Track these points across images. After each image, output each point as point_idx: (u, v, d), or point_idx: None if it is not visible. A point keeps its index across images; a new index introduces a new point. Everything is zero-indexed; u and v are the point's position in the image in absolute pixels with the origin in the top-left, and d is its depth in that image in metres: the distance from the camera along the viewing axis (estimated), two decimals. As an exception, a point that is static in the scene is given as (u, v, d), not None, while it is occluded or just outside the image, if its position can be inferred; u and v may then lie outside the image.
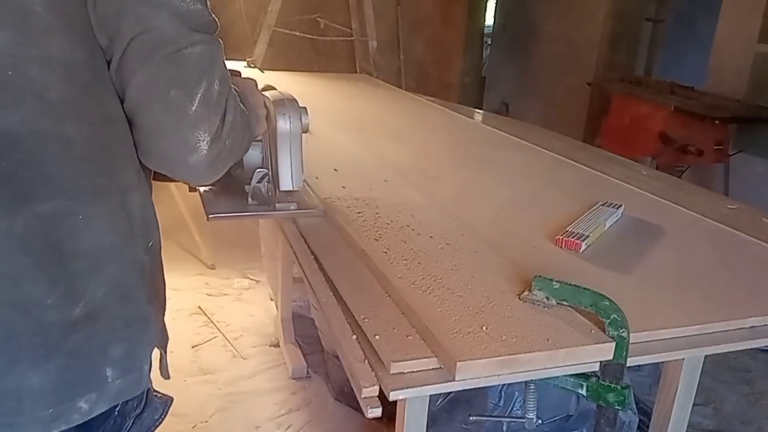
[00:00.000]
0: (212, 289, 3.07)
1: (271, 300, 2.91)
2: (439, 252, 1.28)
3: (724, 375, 2.64)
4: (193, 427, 2.11)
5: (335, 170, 1.76)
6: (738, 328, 1.13)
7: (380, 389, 0.91)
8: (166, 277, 1.00)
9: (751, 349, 2.50)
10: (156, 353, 0.94)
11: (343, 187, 1.63)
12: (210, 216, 1.45)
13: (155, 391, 0.97)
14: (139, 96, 0.81)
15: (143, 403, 0.94)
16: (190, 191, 1.55)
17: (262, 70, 3.65)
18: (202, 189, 1.53)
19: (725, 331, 1.12)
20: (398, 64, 5.08)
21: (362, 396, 0.91)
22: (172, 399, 1.01)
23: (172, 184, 3.17)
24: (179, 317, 2.72)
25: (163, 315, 0.97)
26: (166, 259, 1.01)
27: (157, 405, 0.97)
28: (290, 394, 2.35)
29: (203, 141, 0.84)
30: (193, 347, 2.56)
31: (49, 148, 0.77)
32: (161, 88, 0.81)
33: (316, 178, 1.69)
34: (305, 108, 1.42)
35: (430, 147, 2.22)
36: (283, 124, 1.38)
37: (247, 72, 2.31)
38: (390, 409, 1.00)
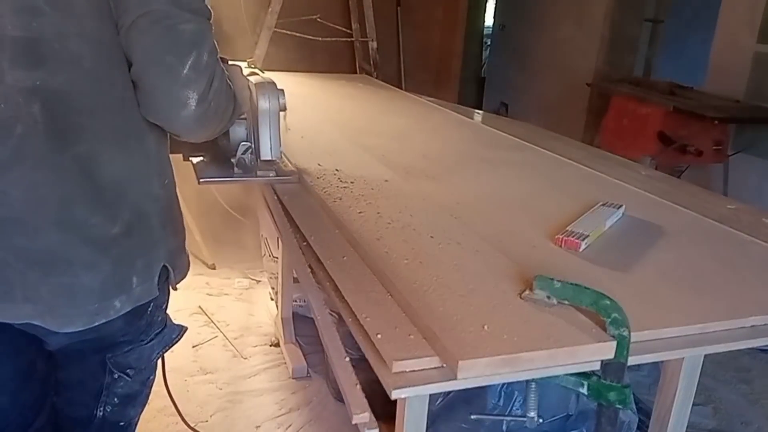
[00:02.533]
0: (213, 289, 3.07)
1: (272, 300, 2.91)
2: (439, 252, 1.28)
3: (724, 375, 2.64)
4: (193, 427, 2.10)
5: (336, 170, 1.77)
6: (738, 328, 1.13)
7: (381, 388, 0.91)
8: None
9: (751, 349, 2.51)
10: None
11: (344, 188, 1.64)
12: (201, 180, 1.66)
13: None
14: (141, 61, 1.00)
15: (164, 324, 1.22)
16: (184, 160, 1.72)
17: (262, 71, 3.65)
18: (194, 160, 1.74)
19: (725, 330, 1.12)
20: (398, 64, 5.08)
21: (353, 422, 0.92)
22: (186, 328, 1.27)
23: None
24: (180, 317, 2.67)
25: (181, 240, 1.19)
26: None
27: (174, 327, 1.25)
28: (290, 393, 2.35)
29: (192, 99, 1.02)
30: (193, 347, 2.56)
31: (84, 103, 0.98)
32: (159, 55, 0.99)
33: (318, 177, 1.70)
34: (282, 90, 1.63)
35: (430, 147, 2.22)
36: (264, 103, 1.60)
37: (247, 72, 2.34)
38: (390, 408, 1.01)
